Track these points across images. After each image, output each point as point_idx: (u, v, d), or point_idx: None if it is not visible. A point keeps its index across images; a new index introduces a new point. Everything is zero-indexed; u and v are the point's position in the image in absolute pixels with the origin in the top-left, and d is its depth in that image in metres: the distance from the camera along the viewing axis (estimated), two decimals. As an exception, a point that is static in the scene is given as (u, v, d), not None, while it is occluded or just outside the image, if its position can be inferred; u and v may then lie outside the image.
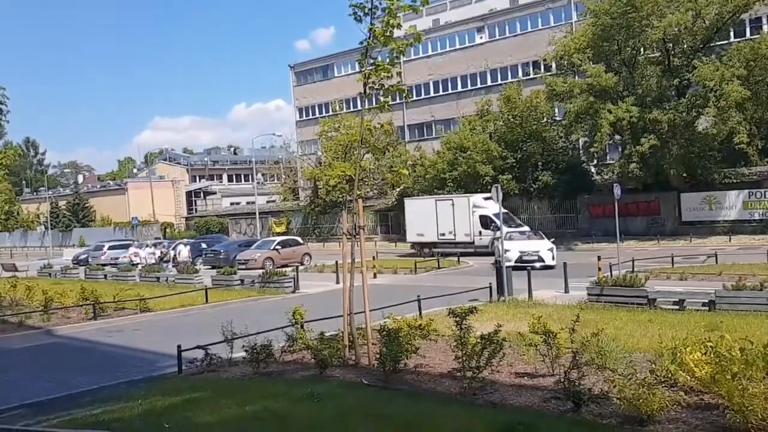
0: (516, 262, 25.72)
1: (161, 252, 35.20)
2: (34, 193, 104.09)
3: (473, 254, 33.20)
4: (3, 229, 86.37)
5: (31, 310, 19.16)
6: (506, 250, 27.08)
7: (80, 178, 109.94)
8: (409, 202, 39.93)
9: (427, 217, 36.16)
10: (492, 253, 31.05)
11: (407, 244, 40.63)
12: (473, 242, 34.66)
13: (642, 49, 38.55)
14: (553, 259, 26.72)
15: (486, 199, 35.01)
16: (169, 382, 10.28)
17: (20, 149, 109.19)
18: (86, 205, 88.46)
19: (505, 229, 32.87)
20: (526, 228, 34.11)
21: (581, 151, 43.86)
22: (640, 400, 6.68)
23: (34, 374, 12.20)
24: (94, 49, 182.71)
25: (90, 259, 41.79)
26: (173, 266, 29.62)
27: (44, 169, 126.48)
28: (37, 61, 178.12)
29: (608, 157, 44.32)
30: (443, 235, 35.43)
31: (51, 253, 61.00)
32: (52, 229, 77.08)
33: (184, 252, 32.58)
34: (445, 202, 36.38)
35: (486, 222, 34.20)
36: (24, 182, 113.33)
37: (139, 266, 31.69)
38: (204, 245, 40.76)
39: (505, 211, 34.87)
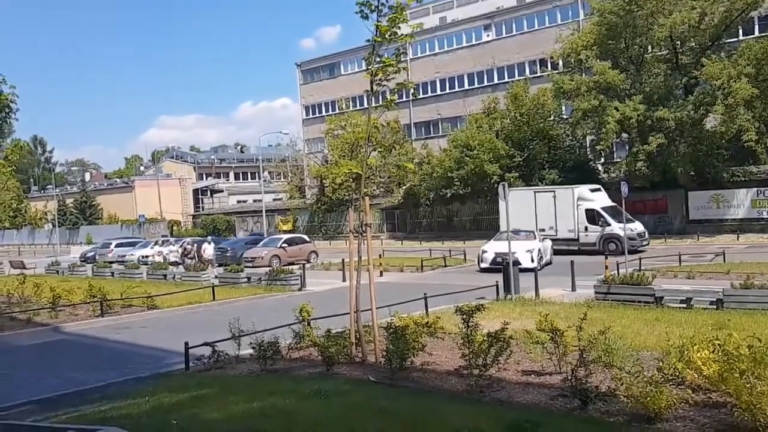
0: (491, 264, 24.84)
1: (185, 249, 34.03)
2: (42, 191, 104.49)
3: (577, 252, 29.03)
4: (11, 227, 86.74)
5: (39, 307, 19.26)
6: (484, 251, 26.26)
7: (87, 176, 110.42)
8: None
9: (524, 210, 31.69)
10: (601, 252, 28.91)
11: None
12: (578, 239, 31.40)
13: (649, 47, 38.44)
14: (532, 261, 24.28)
15: (593, 191, 32.93)
16: (177, 379, 10.31)
17: (28, 147, 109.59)
18: (93, 202, 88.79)
19: (614, 224, 29.85)
20: (637, 224, 31.21)
21: (588, 150, 43.76)
22: (648, 398, 6.66)
23: (42, 371, 12.26)
24: (99, 48, 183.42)
25: (97, 257, 41.93)
26: (198, 263, 29.07)
27: (52, 167, 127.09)
28: (43, 60, 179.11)
29: (615, 155, 44.22)
30: (543, 230, 31.06)
31: (58, 251, 61.18)
32: (59, 226, 77.42)
33: (209, 250, 32.07)
34: (546, 194, 33.12)
35: (593, 216, 31.22)
36: (32, 180, 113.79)
37: (167, 263, 31.14)
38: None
39: (613, 204, 31.82)
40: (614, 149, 42.85)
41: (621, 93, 36.66)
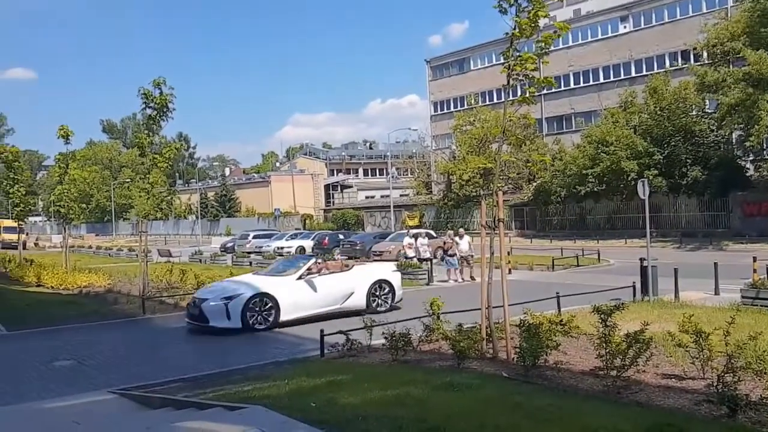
0: (187, 317, 15.56)
1: (444, 243, 25.85)
2: (186, 185, 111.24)
3: None
4: (161, 217, 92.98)
5: (184, 292, 20.41)
6: None
7: (227, 171, 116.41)
8: None
9: None
10: None
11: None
12: None
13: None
14: (229, 318, 14.34)
15: None
16: (313, 365, 10.67)
17: (180, 145, 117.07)
18: (232, 196, 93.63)
19: None
20: None
21: (735, 145, 41.02)
22: (806, 411, 6.21)
23: (189, 351, 13.10)
24: (241, 51, 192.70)
25: (236, 247, 44.19)
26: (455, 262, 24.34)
27: (195, 162, 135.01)
28: (187, 60, 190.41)
29: (766, 152, 41.18)
30: None
31: (200, 241, 64.96)
32: (201, 218, 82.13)
33: (463, 245, 24.84)
34: None
35: None
36: (177, 174, 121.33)
37: (414, 260, 26.12)
38: (341, 236, 42.00)
39: None
40: (765, 146, 39.91)
41: (774, 84, 34.05)
